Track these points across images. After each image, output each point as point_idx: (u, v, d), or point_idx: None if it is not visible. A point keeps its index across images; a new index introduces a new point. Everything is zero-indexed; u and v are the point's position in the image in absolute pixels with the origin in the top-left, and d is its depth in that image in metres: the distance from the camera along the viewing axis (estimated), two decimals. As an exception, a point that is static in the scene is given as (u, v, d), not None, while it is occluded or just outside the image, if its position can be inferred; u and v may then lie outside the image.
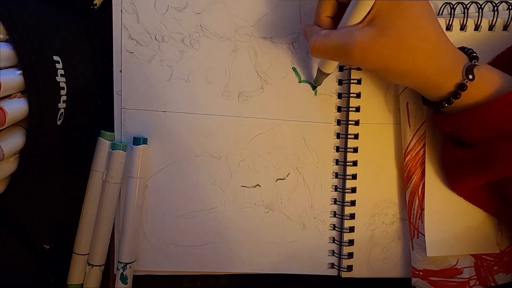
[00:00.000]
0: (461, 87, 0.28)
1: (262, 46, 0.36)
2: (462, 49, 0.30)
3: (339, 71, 0.37)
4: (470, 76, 0.28)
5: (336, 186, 0.38)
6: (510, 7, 0.34)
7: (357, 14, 0.28)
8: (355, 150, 0.37)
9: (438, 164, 0.35)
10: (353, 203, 0.37)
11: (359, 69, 0.36)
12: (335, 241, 0.38)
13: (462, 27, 0.35)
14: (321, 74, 0.35)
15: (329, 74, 0.35)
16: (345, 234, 0.37)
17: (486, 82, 0.29)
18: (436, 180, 0.35)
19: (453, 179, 0.34)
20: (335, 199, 0.38)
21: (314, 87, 0.37)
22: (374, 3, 0.27)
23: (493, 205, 0.34)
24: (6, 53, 0.25)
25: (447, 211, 0.35)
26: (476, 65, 0.28)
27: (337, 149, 0.38)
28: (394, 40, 0.27)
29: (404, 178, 0.37)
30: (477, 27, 0.35)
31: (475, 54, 0.29)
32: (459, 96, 0.28)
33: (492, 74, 0.29)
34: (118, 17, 0.35)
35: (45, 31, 0.28)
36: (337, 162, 0.38)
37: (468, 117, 0.29)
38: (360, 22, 0.28)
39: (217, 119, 0.36)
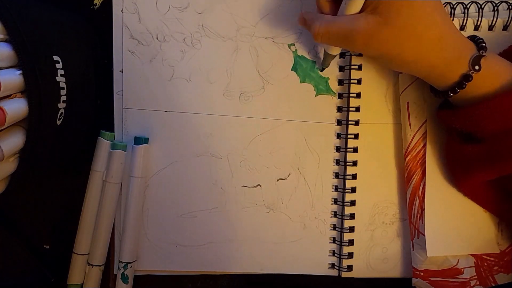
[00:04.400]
0: (466, 77, 0.28)
1: (264, 46, 0.36)
2: (472, 38, 0.30)
3: (339, 71, 0.37)
4: (477, 67, 0.28)
5: (336, 186, 0.38)
6: (510, 7, 0.34)
7: (354, 4, 0.28)
8: (355, 150, 0.37)
9: (439, 164, 0.35)
10: (353, 203, 0.37)
11: (359, 69, 0.36)
12: (335, 241, 0.38)
13: (462, 27, 0.35)
14: (328, 56, 0.35)
15: (335, 55, 0.35)
16: (345, 234, 0.37)
17: (493, 73, 0.28)
18: (437, 180, 0.35)
19: (459, 175, 0.33)
20: (335, 199, 0.38)
21: (322, 69, 0.37)
22: None
23: (497, 203, 0.34)
24: (6, 53, 0.25)
25: (447, 211, 0.35)
26: (484, 55, 0.28)
27: (337, 149, 0.38)
28: (398, 28, 0.27)
29: (405, 178, 0.37)
30: (477, 27, 0.35)
31: (484, 44, 0.29)
32: (464, 86, 0.28)
33: (501, 65, 0.29)
34: (118, 17, 0.35)
35: (45, 31, 0.28)
36: (337, 162, 0.38)
37: (481, 111, 0.28)
38: (359, 12, 0.28)
39: (218, 119, 0.36)
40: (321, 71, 0.37)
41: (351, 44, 0.28)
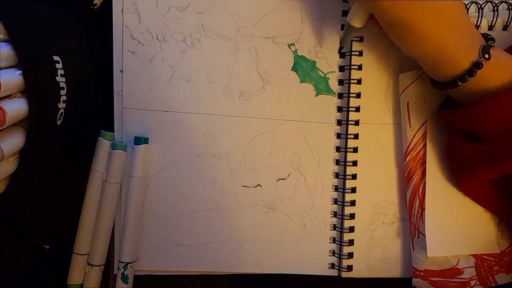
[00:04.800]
0: (477, 65, 0.28)
1: (264, 46, 0.36)
2: None
3: (339, 71, 0.37)
4: (487, 55, 0.28)
5: (336, 186, 0.38)
6: (510, 7, 0.35)
7: None
8: (355, 150, 0.37)
9: (439, 164, 0.35)
10: (353, 203, 0.37)
11: (359, 69, 0.36)
12: (335, 241, 0.38)
13: (463, 27, 0.35)
14: (349, 30, 0.33)
15: (358, 29, 0.32)
16: (345, 234, 0.37)
17: (501, 64, 0.29)
18: (437, 180, 0.35)
19: (460, 174, 0.33)
20: (335, 199, 0.38)
21: (340, 48, 0.36)
22: None
23: (497, 203, 0.34)
24: (6, 53, 0.25)
25: (448, 211, 0.35)
26: (493, 46, 0.28)
27: (337, 149, 0.38)
28: None
29: (405, 178, 0.37)
30: (476, 27, 0.35)
31: (491, 36, 0.29)
32: (474, 74, 0.28)
33: (507, 58, 0.29)
34: (118, 17, 0.35)
35: (45, 31, 0.28)
36: (337, 162, 0.38)
37: (483, 110, 0.28)
38: None
39: (218, 119, 0.36)
40: (339, 51, 0.36)
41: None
